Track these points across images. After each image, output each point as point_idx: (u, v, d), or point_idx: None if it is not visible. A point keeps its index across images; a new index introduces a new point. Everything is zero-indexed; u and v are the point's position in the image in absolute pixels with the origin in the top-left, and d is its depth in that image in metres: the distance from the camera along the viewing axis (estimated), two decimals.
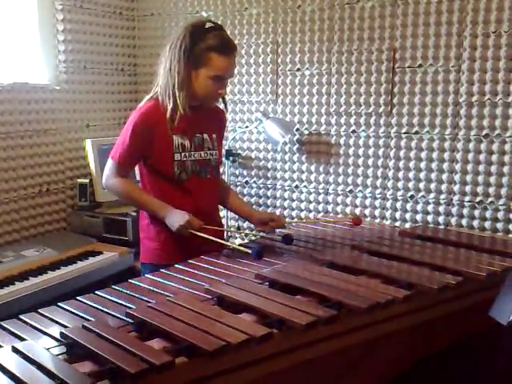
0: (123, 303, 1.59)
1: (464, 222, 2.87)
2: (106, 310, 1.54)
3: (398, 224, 3.00)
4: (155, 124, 2.04)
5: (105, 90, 3.46)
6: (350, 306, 1.53)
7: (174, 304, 1.51)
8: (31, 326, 1.44)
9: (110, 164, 2.11)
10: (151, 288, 1.73)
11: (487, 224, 2.82)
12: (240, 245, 2.15)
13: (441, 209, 2.91)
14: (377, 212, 3.07)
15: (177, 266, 1.93)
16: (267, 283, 1.72)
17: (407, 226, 2.95)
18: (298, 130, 3.20)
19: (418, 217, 2.97)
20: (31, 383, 1.12)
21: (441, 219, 2.92)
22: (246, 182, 3.40)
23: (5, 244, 2.87)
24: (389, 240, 2.26)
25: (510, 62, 2.68)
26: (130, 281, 1.80)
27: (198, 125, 2.11)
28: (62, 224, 3.22)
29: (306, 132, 3.19)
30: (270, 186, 3.34)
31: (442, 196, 2.90)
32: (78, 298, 1.63)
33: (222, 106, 2.26)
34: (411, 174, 2.96)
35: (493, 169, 2.77)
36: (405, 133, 2.95)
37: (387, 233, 2.47)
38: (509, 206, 2.76)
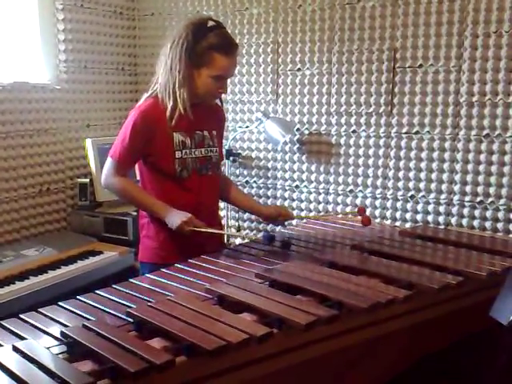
0: (123, 302, 1.58)
1: (464, 221, 2.87)
2: (106, 309, 1.54)
3: (398, 224, 3.00)
4: (155, 122, 2.03)
5: (105, 89, 3.46)
6: (351, 305, 1.53)
7: (175, 303, 1.51)
8: (31, 325, 1.44)
9: (109, 163, 2.10)
10: (151, 287, 1.73)
11: (488, 224, 2.82)
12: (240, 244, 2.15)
13: (441, 209, 2.91)
14: (377, 212, 3.07)
15: (177, 265, 1.93)
16: (267, 283, 1.72)
17: (408, 225, 2.95)
18: (298, 129, 3.20)
19: (419, 217, 2.97)
20: (31, 382, 1.13)
21: (441, 219, 2.92)
22: (247, 182, 3.40)
23: (5, 243, 2.88)
24: (389, 240, 2.25)
25: (511, 61, 2.68)
26: (130, 280, 1.80)
27: (198, 122, 2.10)
28: (62, 223, 3.22)
29: (307, 132, 3.19)
30: (270, 185, 3.34)
31: (443, 196, 2.90)
32: (78, 297, 1.63)
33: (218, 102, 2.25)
34: (412, 174, 2.96)
35: (493, 169, 2.77)
36: (405, 133, 2.95)
37: (387, 233, 2.46)
38: (509, 206, 2.76)
